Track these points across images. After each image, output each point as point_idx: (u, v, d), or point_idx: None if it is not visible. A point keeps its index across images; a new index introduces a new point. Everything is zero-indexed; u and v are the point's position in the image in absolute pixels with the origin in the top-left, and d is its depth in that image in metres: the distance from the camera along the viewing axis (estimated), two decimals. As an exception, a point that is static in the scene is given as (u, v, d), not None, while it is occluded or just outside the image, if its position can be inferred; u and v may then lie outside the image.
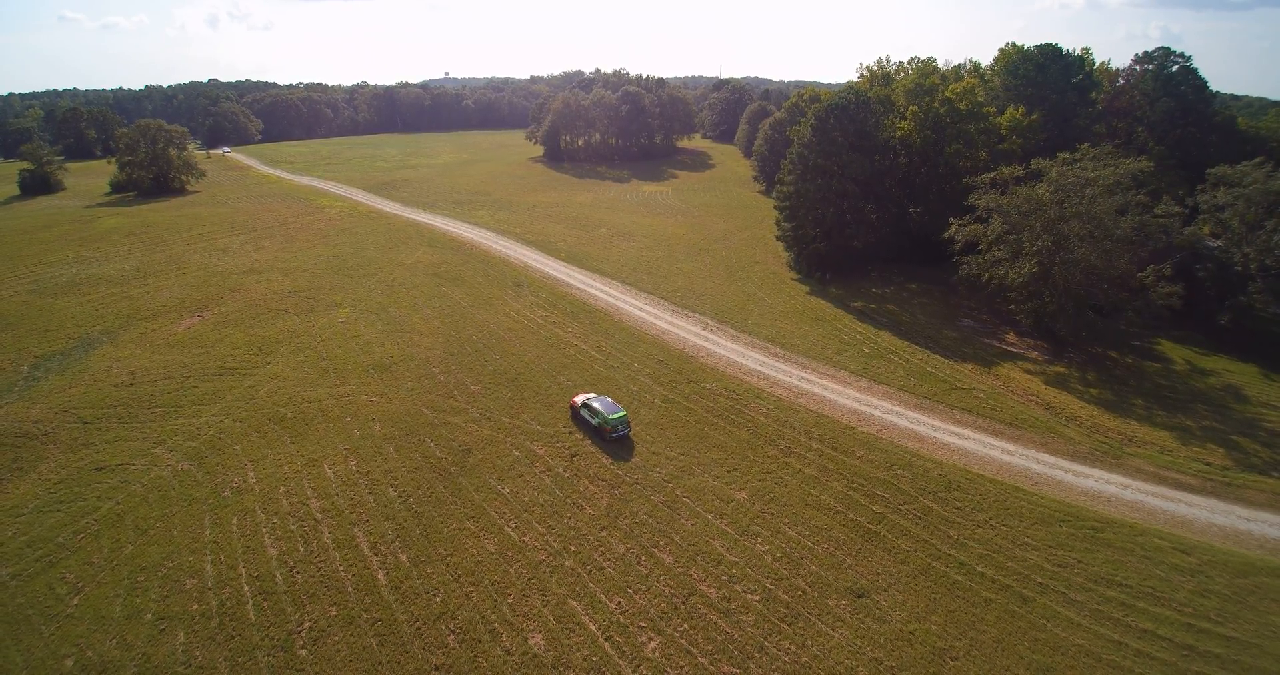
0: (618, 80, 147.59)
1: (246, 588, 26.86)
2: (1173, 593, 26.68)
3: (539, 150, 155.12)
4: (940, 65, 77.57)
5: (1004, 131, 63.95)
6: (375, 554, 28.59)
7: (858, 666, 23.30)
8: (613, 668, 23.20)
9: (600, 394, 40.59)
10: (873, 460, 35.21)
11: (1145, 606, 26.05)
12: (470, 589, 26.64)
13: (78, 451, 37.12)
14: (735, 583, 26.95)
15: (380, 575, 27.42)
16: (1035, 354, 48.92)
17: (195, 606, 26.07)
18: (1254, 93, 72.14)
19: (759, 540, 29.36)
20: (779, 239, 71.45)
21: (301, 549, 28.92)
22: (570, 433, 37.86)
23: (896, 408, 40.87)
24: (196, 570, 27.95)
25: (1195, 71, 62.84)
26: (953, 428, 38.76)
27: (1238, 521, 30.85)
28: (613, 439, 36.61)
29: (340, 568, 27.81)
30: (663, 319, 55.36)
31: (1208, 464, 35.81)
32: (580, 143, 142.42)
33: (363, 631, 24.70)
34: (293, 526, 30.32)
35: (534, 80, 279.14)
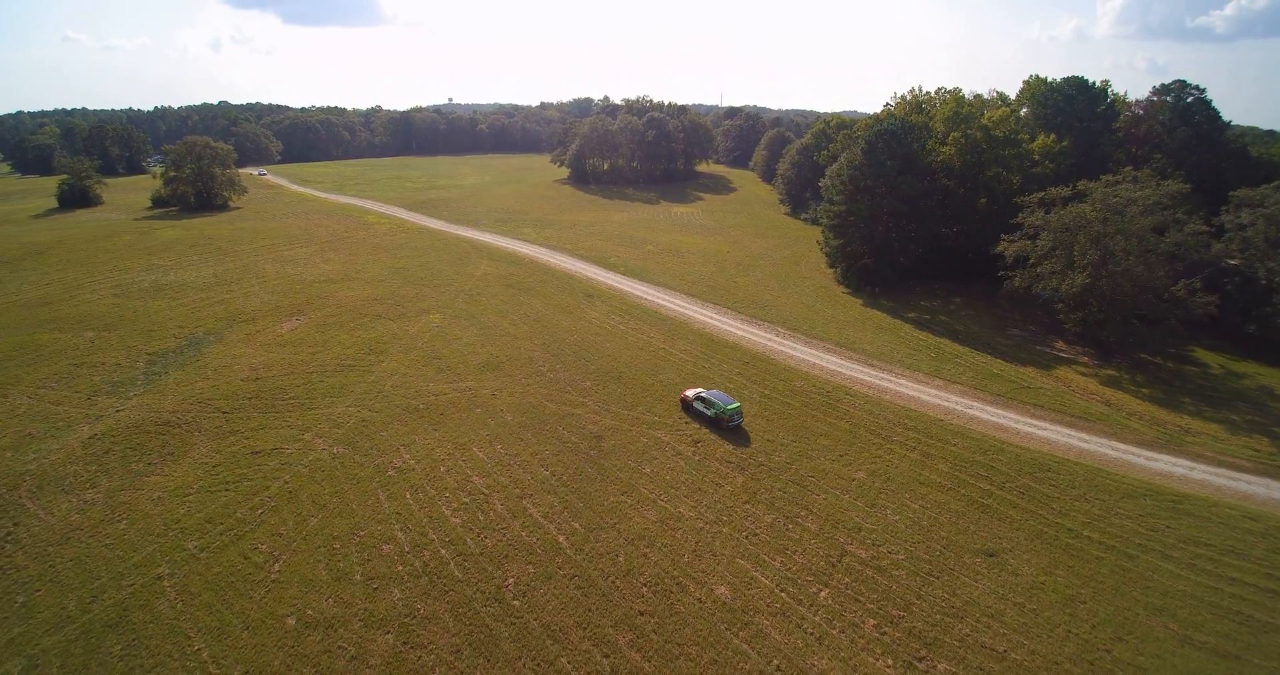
0: (641, 107, 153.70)
1: (444, 551, 29.95)
2: (1249, 550, 30.64)
3: (564, 172, 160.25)
4: (966, 95, 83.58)
5: (1036, 156, 69.38)
6: (549, 522, 31.81)
7: (1005, 610, 26.87)
8: (795, 612, 26.57)
9: (705, 389, 44.21)
10: (968, 447, 39.10)
11: (1229, 561, 29.96)
12: (646, 551, 29.94)
13: (226, 438, 40.00)
14: (879, 545, 30.51)
15: (561, 539, 30.65)
16: (1085, 359, 53.36)
17: (400, 568, 29.10)
18: (1245, 121, 78.05)
19: (888, 511, 32.99)
20: (827, 255, 76.07)
21: (480, 518, 32.08)
22: (686, 423, 41.40)
23: (975, 404, 44.93)
24: (389, 538, 30.98)
25: (1209, 103, 69.04)
26: (1029, 421, 42.83)
27: (1301, 497, 34.97)
28: (729, 428, 40.22)
29: (523, 533, 31.00)
30: (735, 326, 59.33)
31: (1256, 450, 40.06)
32: (605, 166, 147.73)
33: (564, 585, 27.90)
34: (465, 500, 33.49)
35: (544, 106, 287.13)
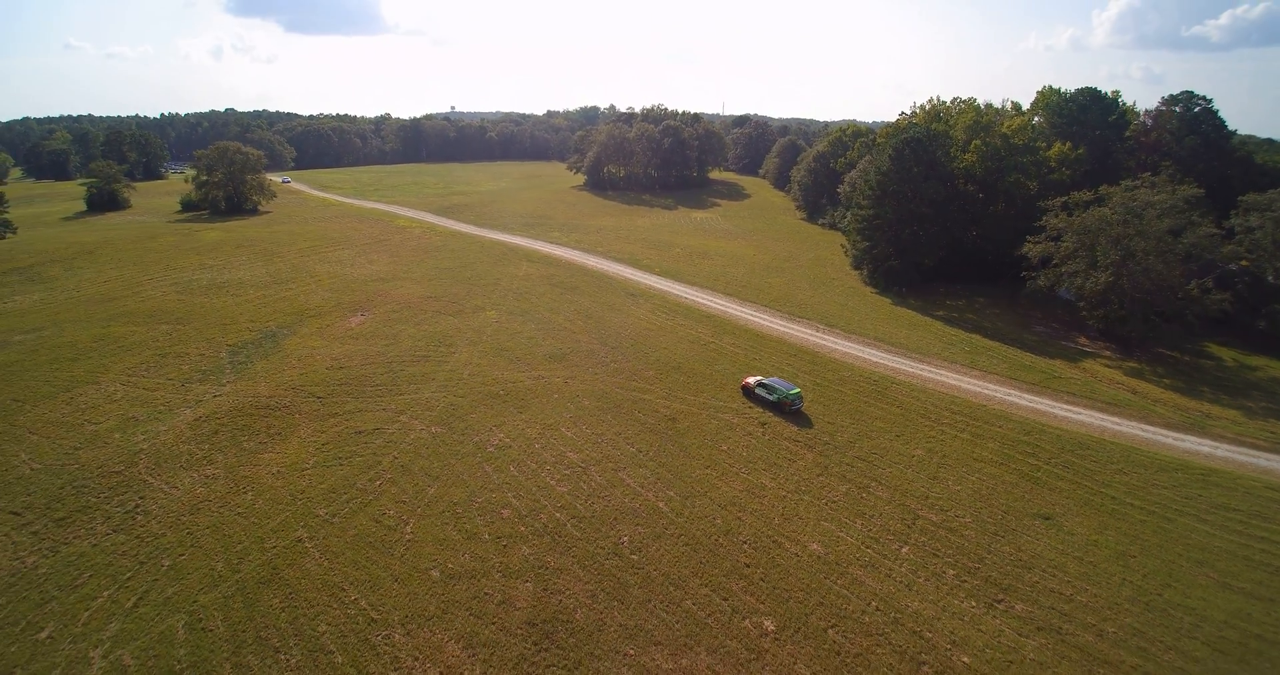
0: (658, 115, 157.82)
1: (558, 514, 33.17)
2: (1275, 514, 34.32)
3: (579, 179, 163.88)
4: (980, 104, 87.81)
5: (1053, 163, 73.53)
6: (646, 491, 35.10)
7: (1066, 562, 30.35)
8: (882, 564, 29.95)
9: (766, 376, 47.63)
10: (1012, 428, 42.70)
11: (1257, 523, 33.62)
12: (739, 515, 33.27)
13: (327, 420, 43.07)
14: (946, 511, 33.96)
15: (661, 505, 33.94)
16: (1108, 353, 57.17)
17: (522, 529, 32.29)
18: (1244, 130, 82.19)
19: (949, 482, 36.48)
20: (853, 257, 79.86)
21: (584, 487, 35.33)
22: (749, 408, 44.81)
23: (1013, 392, 48.59)
24: (504, 504, 34.16)
25: (1215, 112, 73.42)
26: (1065, 406, 46.50)
27: (1317, 471, 38.74)
28: (790, 411, 43.67)
29: (625, 500, 34.27)
30: (775, 323, 62.88)
31: (1272, 433, 43.84)
32: (622, 172, 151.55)
33: (673, 542, 31.17)
34: (565, 471, 36.74)
35: (550, 115, 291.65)
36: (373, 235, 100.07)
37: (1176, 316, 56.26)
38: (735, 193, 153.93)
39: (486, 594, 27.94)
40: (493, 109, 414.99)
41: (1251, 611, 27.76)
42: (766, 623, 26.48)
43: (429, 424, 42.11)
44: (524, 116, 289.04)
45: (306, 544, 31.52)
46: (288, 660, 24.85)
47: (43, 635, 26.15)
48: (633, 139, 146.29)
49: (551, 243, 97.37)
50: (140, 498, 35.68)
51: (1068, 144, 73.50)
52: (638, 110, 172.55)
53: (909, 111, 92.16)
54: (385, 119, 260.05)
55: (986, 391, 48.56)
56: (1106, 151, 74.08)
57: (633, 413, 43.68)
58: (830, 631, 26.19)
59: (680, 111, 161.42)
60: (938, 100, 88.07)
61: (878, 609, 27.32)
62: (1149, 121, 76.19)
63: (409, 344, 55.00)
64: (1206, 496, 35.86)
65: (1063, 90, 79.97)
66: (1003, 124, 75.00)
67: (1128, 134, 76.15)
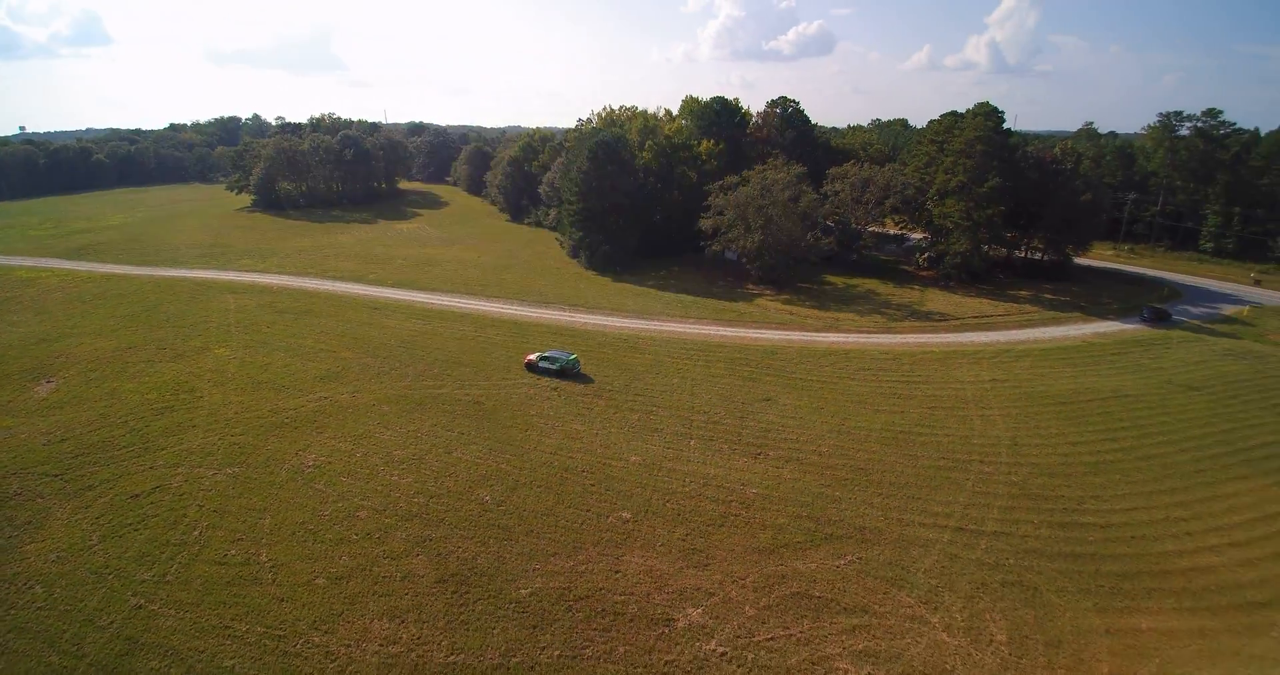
0: (333, 125, 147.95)
1: (416, 499, 35.54)
2: (889, 366, 54.06)
3: (246, 200, 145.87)
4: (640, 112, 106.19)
5: (703, 157, 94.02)
6: (485, 460, 39.31)
7: (787, 422, 44.21)
8: (681, 454, 39.87)
9: (543, 351, 54.38)
10: (727, 351, 57.40)
11: (882, 374, 52.69)
12: (570, 454, 39.86)
13: (83, 495, 36.71)
14: (706, 411, 45.60)
15: (503, 466, 38.64)
16: (769, 292, 77.72)
17: (387, 520, 33.97)
18: (820, 121, 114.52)
19: (701, 394, 48.48)
20: (570, 248, 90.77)
21: (427, 473, 37.99)
22: (538, 379, 51.23)
23: (719, 328, 64.18)
24: (357, 508, 35.08)
25: (802, 111, 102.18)
26: (754, 330, 63.57)
27: (908, 340, 61.16)
28: (573, 375, 51.51)
29: (469, 471, 38.09)
30: (525, 311, 69.96)
31: (875, 320, 66.81)
32: (303, 188, 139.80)
33: (528, 489, 36.48)
34: (401, 467, 38.69)
35: (176, 128, 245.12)
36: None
37: (804, 259, 79.12)
38: (432, 201, 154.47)
39: (386, 576, 29.94)
40: (82, 126, 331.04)
41: (893, 420, 44.83)
42: (624, 514, 34.09)
43: (219, 468, 39.20)
44: (139, 132, 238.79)
45: (151, 606, 28.64)
46: (199, 700, 24.14)
47: None
48: (307, 151, 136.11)
49: (249, 271, 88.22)
50: None
51: (711, 141, 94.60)
52: (304, 120, 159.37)
53: (585, 118, 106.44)
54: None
55: (703, 331, 63.21)
56: (738, 145, 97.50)
57: (438, 406, 46.62)
58: (666, 505, 35.01)
59: (356, 120, 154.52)
60: (612, 107, 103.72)
61: (691, 481, 37.10)
62: (760, 120, 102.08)
63: (136, 399, 47.94)
64: (850, 365, 54.52)
65: (701, 99, 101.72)
66: (665, 127, 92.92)
67: (749, 131, 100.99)
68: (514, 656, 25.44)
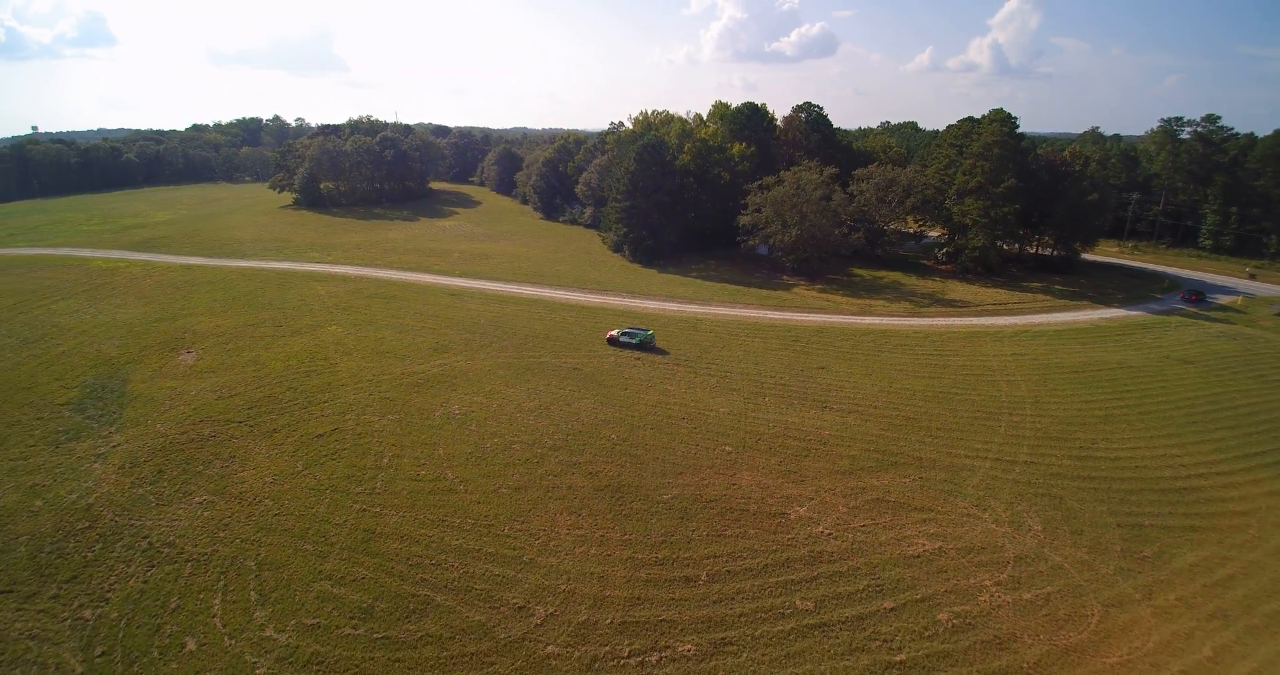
0: (371, 127, 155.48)
1: (555, 435, 43.31)
2: (919, 344, 62.24)
3: (287, 198, 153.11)
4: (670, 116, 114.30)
5: (736, 159, 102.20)
6: (600, 410, 47.14)
7: (843, 384, 52.27)
8: (761, 407, 47.82)
9: (621, 328, 62.17)
10: (780, 330, 65.47)
11: (916, 348, 60.83)
12: (669, 407, 47.72)
13: (272, 435, 44.35)
14: (773, 376, 53.60)
15: (614, 414, 46.50)
16: (804, 282, 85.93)
17: (539, 450, 41.73)
18: (840, 125, 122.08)
19: (765, 363, 56.51)
20: (615, 241, 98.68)
21: (556, 417, 45.78)
22: (619, 352, 59.09)
23: (765, 312, 72.27)
24: (511, 440, 42.74)
25: (825, 115, 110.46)
26: (797, 314, 71.71)
27: (935, 322, 69.39)
28: (650, 348, 59.45)
29: (590, 416, 45.96)
30: (587, 298, 77.81)
31: (903, 308, 75.05)
32: (344, 188, 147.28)
33: (645, 430, 44.38)
34: (533, 414, 46.50)
35: (199, 129, 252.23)
36: (82, 281, 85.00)
37: (835, 253, 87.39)
38: (465, 201, 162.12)
39: (554, 487, 37.75)
40: (90, 127, 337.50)
41: (932, 384, 52.95)
42: (727, 448, 42.09)
43: (380, 415, 46.89)
44: (162, 133, 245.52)
45: (374, 510, 36.09)
46: (450, 570, 31.86)
47: (191, 646, 28.26)
48: (350, 152, 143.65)
49: (316, 263, 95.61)
50: (143, 537, 34.68)
51: (742, 144, 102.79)
52: (343, 121, 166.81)
53: (620, 121, 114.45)
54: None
55: (752, 314, 71.36)
56: (766, 147, 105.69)
57: (544, 371, 54.42)
58: (759, 443, 43.01)
59: (391, 122, 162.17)
60: (645, 113, 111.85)
61: (774, 426, 45.12)
62: (785, 124, 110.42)
63: (279, 365, 55.54)
64: (888, 342, 62.79)
65: (730, 104, 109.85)
66: (699, 131, 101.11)
67: (777, 135, 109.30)
68: (674, 536, 33.39)
